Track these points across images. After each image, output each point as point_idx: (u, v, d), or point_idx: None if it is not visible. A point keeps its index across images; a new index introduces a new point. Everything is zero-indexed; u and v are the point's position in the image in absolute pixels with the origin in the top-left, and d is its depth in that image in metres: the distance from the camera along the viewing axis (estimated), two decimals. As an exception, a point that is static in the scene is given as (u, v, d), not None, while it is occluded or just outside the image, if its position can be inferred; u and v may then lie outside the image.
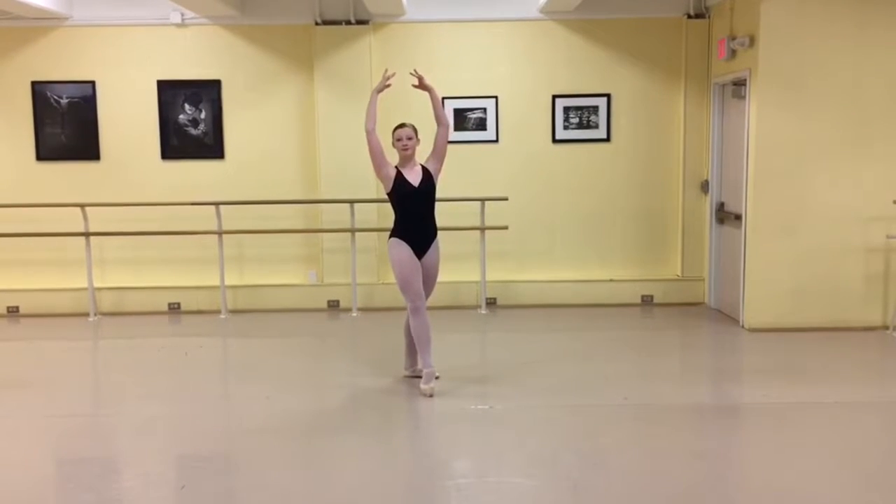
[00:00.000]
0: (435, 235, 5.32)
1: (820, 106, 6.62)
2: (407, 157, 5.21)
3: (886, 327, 6.77)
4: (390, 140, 5.28)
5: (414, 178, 5.20)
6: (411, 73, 5.33)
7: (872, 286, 6.78)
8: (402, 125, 5.26)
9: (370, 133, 5.13)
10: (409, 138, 5.19)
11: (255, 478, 4.03)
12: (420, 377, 5.42)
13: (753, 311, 6.86)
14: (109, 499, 3.83)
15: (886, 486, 3.86)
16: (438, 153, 5.33)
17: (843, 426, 4.67)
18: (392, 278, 7.78)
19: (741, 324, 6.98)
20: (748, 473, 4.04)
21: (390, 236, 5.26)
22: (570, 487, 3.84)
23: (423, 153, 5.33)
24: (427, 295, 5.33)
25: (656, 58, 7.85)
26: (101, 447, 4.57)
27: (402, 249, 5.18)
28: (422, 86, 5.34)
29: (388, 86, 5.26)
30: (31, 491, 3.96)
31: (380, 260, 7.88)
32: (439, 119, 5.33)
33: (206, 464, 4.30)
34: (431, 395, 5.19)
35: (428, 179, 5.23)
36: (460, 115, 7.83)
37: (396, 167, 5.22)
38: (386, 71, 5.29)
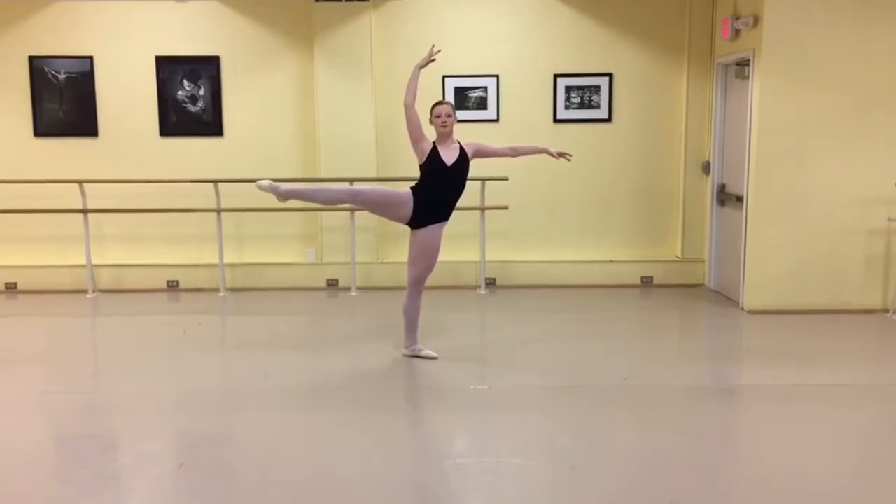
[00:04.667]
0: (445, 220, 5.33)
1: (823, 87, 6.56)
2: (445, 134, 5.27)
3: (886, 310, 6.76)
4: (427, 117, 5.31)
5: (449, 156, 5.24)
6: (433, 56, 5.30)
7: (873, 269, 6.77)
8: (440, 102, 5.34)
9: (409, 108, 5.15)
10: (448, 115, 5.25)
11: (253, 455, 4.04)
12: (419, 357, 5.49)
13: (753, 293, 6.85)
14: (107, 475, 3.83)
15: (884, 469, 3.86)
16: (483, 153, 5.44)
17: (842, 409, 4.67)
18: (391, 258, 7.85)
19: (741, 306, 6.98)
20: (747, 455, 4.05)
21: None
22: (569, 467, 3.84)
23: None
24: (428, 272, 5.37)
25: (659, 37, 7.78)
26: (99, 424, 4.56)
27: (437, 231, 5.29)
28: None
29: (433, 60, 5.28)
30: (29, 467, 3.96)
31: (379, 239, 7.85)
32: (517, 152, 5.59)
33: (204, 441, 4.31)
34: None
35: (463, 160, 5.27)
36: (461, 93, 7.77)
37: (434, 143, 5.27)
38: (433, 47, 5.29)
